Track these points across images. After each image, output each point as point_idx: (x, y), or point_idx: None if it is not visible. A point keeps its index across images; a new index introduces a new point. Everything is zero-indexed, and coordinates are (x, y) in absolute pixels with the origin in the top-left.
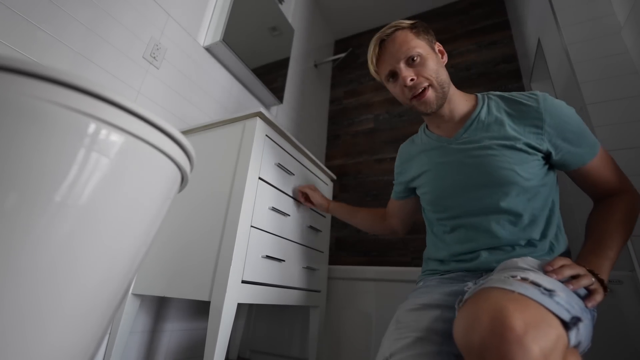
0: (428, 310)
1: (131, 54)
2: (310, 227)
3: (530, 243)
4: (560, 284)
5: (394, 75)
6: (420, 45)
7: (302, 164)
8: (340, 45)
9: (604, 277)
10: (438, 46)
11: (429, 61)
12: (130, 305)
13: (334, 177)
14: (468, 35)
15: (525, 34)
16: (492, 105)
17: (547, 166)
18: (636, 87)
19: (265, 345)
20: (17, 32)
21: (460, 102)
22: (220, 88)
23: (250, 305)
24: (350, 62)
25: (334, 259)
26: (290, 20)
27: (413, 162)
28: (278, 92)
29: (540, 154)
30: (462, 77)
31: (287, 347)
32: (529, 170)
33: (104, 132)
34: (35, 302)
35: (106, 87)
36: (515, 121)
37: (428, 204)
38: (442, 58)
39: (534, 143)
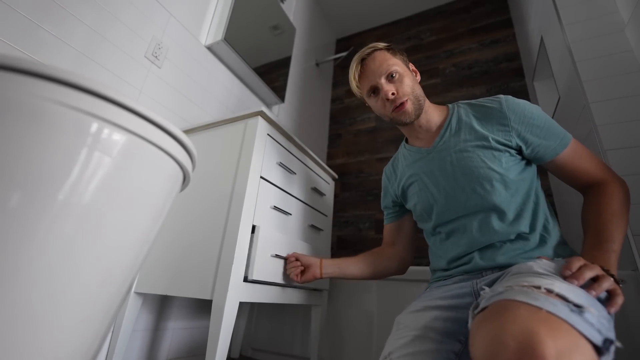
0: (427, 311)
1: (133, 54)
2: (312, 226)
3: (520, 237)
4: (587, 296)
5: (375, 90)
6: (397, 64)
7: (304, 163)
8: (341, 44)
9: (614, 271)
10: (412, 66)
11: (406, 78)
12: (133, 304)
13: (336, 176)
14: (470, 34)
15: (528, 32)
16: (461, 113)
17: (523, 162)
18: None
19: (267, 344)
20: (19, 32)
21: (434, 113)
22: (221, 87)
23: (252, 304)
24: (351, 61)
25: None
26: (291, 19)
27: (399, 177)
28: (279, 91)
29: (511, 150)
30: (465, 76)
31: (289, 346)
32: (502, 166)
33: (106, 131)
34: (39, 299)
35: (109, 87)
36: (482, 122)
37: (419, 215)
38: (416, 76)
39: (502, 139)
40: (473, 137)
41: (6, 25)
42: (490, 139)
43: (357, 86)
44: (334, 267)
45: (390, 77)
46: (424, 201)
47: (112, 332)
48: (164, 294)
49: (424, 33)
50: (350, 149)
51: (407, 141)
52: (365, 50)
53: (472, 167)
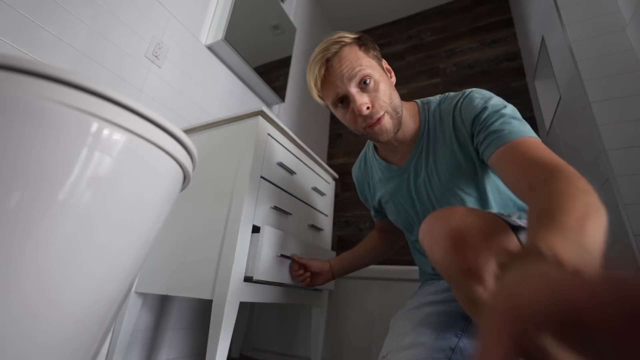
0: (421, 308)
1: (134, 53)
2: (312, 225)
3: None
4: None
5: (343, 100)
6: (371, 65)
7: (304, 163)
8: None
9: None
10: (385, 63)
11: (382, 84)
12: (133, 304)
13: (336, 175)
14: (471, 33)
15: (529, 31)
16: (430, 121)
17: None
18: None
19: (267, 344)
20: (20, 32)
21: (408, 119)
22: (222, 87)
23: (253, 303)
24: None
25: None
26: (292, 18)
27: (372, 189)
28: (280, 91)
29: (476, 163)
30: (466, 75)
31: (290, 346)
32: (473, 186)
33: (106, 131)
34: (39, 299)
35: (109, 87)
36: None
37: (401, 228)
38: (390, 77)
39: (473, 155)
40: (443, 159)
41: (7, 24)
42: (462, 157)
43: (318, 95)
44: (344, 267)
45: (362, 85)
46: (403, 220)
47: (113, 331)
48: (164, 293)
49: (424, 32)
50: (351, 148)
51: (376, 149)
52: (329, 46)
53: (446, 193)
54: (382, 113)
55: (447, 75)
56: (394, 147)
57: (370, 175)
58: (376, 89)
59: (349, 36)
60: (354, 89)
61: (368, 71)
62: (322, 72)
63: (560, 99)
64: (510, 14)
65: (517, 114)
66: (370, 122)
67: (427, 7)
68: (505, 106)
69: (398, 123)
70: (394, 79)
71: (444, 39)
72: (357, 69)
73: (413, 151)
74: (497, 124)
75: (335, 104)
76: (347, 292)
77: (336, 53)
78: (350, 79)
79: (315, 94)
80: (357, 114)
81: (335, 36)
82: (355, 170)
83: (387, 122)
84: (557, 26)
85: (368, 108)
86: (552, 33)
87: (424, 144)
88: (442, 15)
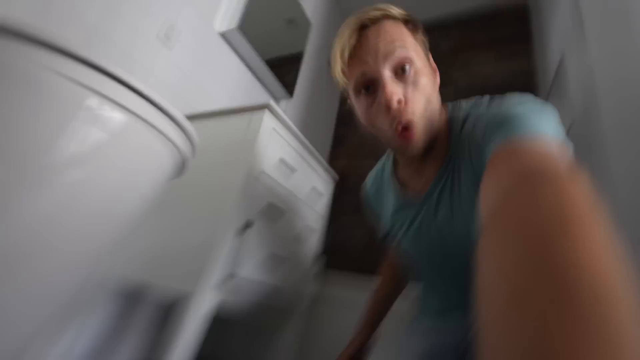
0: (428, 335)
1: (145, 33)
2: (307, 225)
3: None
4: None
5: (368, 86)
6: (416, 51)
7: (306, 161)
8: None
9: None
10: (432, 60)
11: (423, 78)
12: (101, 296)
13: (337, 177)
14: (487, 45)
15: (548, 48)
16: (457, 136)
17: None
18: None
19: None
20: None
21: (442, 132)
22: (230, 76)
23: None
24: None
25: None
26: (308, 13)
27: (383, 211)
28: (289, 86)
29: None
30: (477, 89)
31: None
32: None
33: (104, 107)
34: (15, 266)
35: (110, 62)
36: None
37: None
38: (435, 77)
39: None
40: (464, 199)
41: None
42: None
43: (342, 70)
44: (369, 321)
45: (400, 71)
46: (406, 254)
47: (74, 320)
48: (142, 280)
49: (441, 39)
50: (354, 152)
51: (394, 165)
52: (369, 12)
53: (470, 236)
54: (414, 118)
55: (459, 86)
56: (419, 168)
57: (383, 198)
58: (415, 82)
59: (397, 10)
60: (387, 72)
61: (411, 54)
62: (353, 41)
63: (572, 123)
64: (529, 29)
65: (529, 113)
66: (399, 122)
67: (446, 15)
68: (510, 108)
69: (430, 138)
70: (438, 81)
71: (459, 48)
72: (397, 44)
73: (438, 177)
74: (495, 136)
75: (358, 89)
76: (329, 304)
77: (375, 21)
78: (385, 57)
79: (339, 67)
80: (385, 106)
81: (380, 4)
82: (367, 188)
83: (420, 134)
84: (579, 46)
85: (400, 102)
86: (572, 52)
87: (452, 168)
88: (460, 24)
